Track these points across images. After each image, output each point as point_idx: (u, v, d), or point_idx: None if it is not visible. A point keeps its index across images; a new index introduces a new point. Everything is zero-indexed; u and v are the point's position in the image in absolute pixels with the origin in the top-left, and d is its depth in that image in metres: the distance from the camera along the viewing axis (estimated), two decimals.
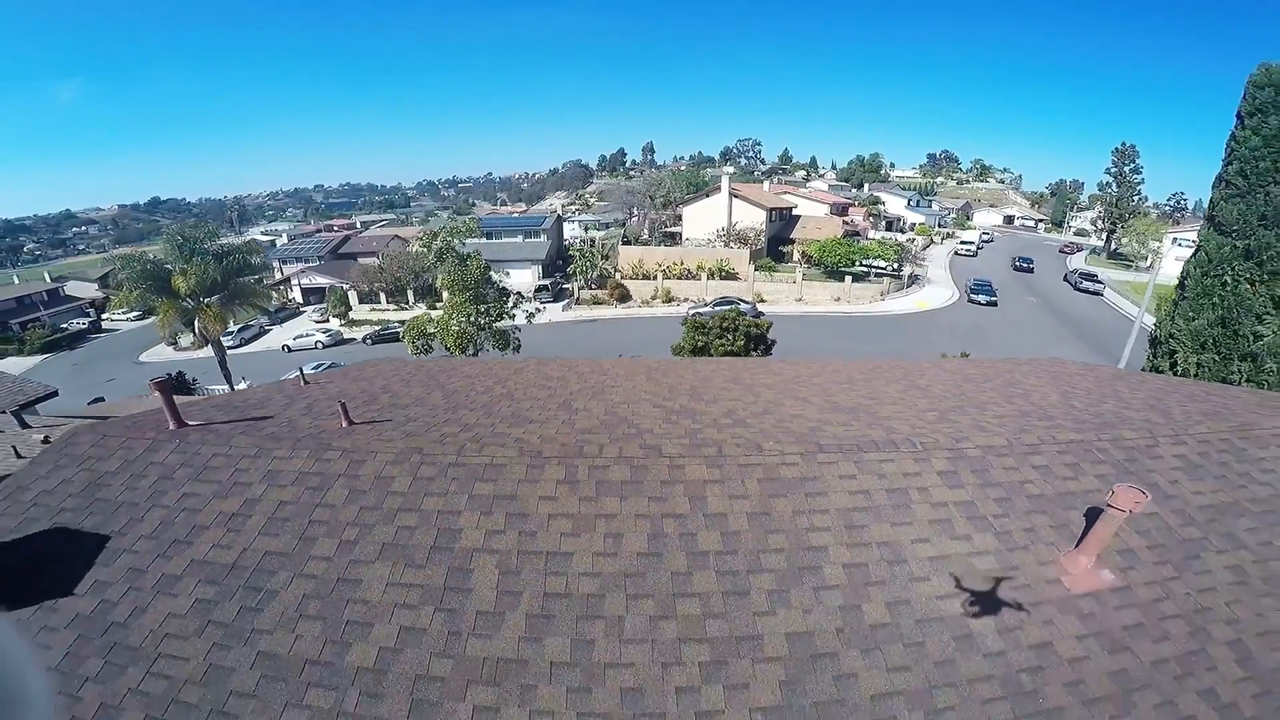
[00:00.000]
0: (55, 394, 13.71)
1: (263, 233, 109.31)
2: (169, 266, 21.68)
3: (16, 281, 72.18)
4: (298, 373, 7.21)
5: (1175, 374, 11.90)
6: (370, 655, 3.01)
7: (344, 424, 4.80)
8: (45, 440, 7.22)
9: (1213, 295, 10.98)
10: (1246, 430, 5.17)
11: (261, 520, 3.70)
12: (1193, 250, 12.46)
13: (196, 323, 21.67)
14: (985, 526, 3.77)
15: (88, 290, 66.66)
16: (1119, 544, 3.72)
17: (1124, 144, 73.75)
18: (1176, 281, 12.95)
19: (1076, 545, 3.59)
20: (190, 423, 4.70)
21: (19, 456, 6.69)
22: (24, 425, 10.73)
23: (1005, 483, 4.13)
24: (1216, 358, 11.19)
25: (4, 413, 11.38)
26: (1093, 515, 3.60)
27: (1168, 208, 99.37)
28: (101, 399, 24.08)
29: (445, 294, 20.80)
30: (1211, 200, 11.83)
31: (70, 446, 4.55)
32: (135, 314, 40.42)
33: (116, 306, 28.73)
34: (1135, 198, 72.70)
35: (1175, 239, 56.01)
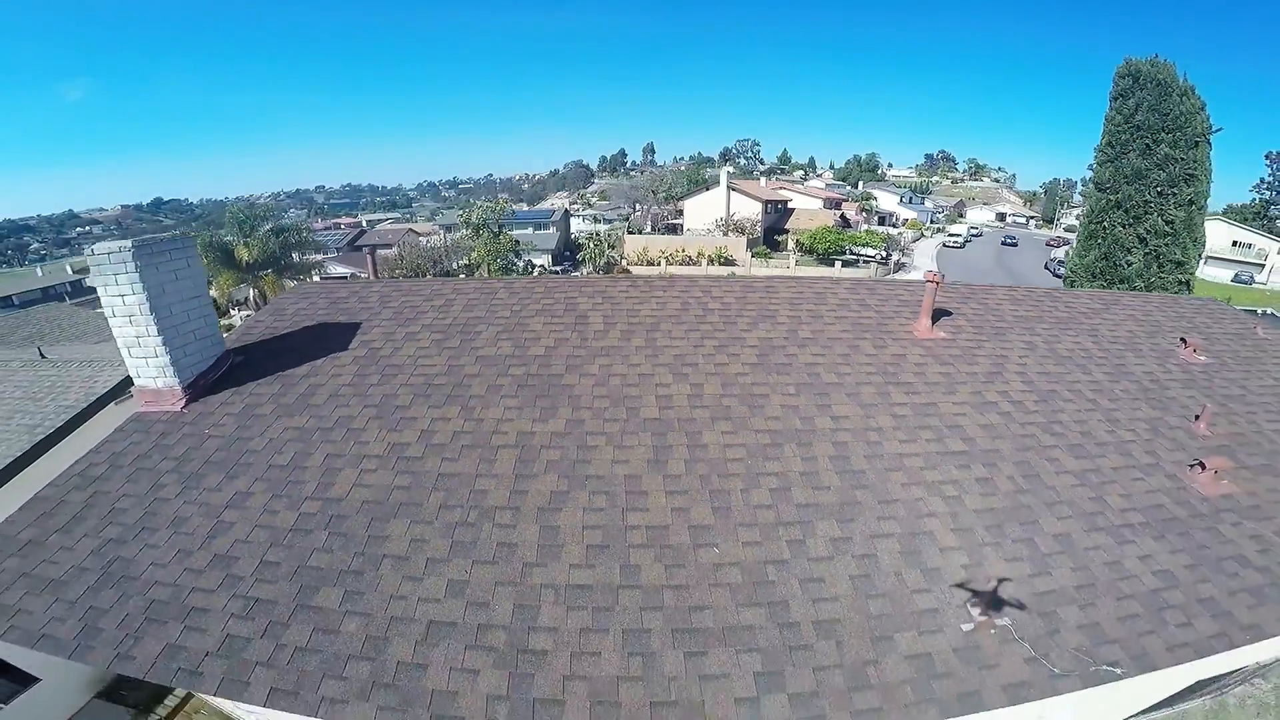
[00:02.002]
0: None
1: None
2: (229, 240, 24.35)
3: (40, 274, 74.81)
4: None
5: None
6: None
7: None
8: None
9: (1096, 238, 14.26)
10: (1064, 293, 7.93)
11: (462, 301, 6.42)
12: (1083, 205, 16.31)
13: (252, 292, 24.33)
14: (876, 311, 6.49)
15: None
16: (959, 328, 6.42)
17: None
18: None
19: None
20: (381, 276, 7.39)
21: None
22: None
23: (890, 297, 6.87)
24: (1103, 284, 14.44)
25: None
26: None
27: None
28: None
29: (480, 264, 23.65)
30: (1092, 166, 15.31)
31: (317, 284, 7.24)
32: None
33: None
34: None
35: None
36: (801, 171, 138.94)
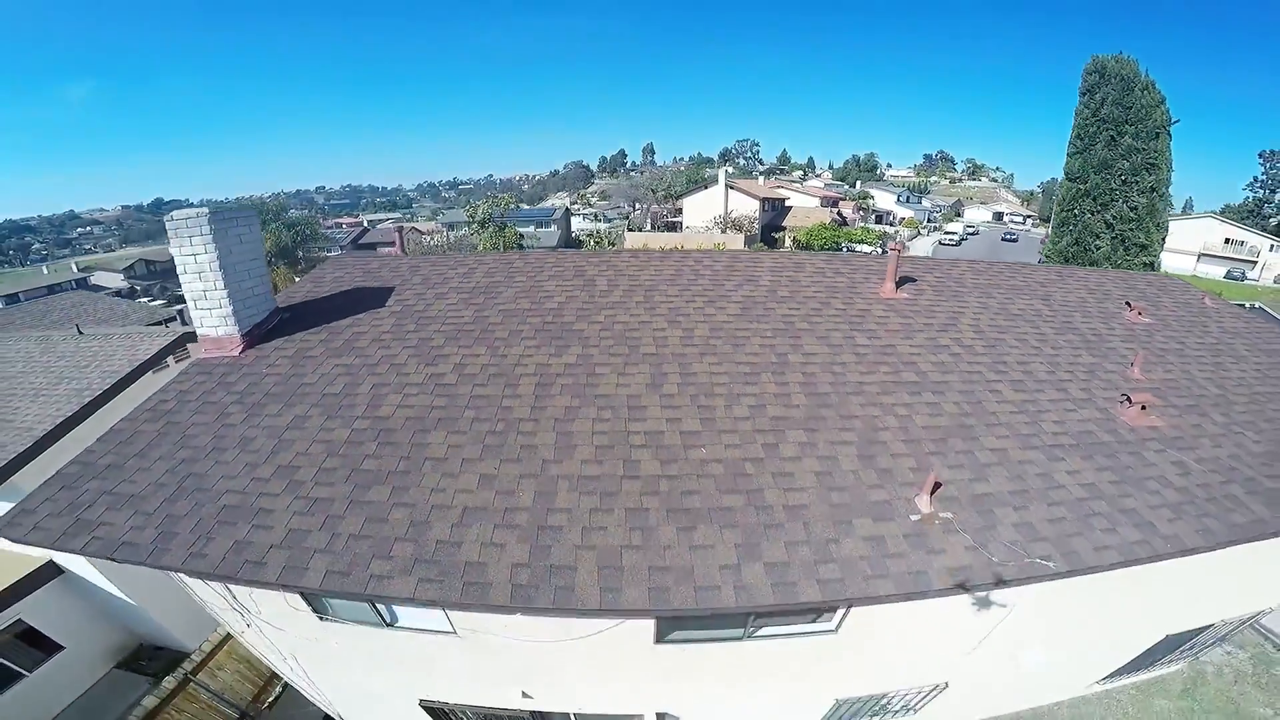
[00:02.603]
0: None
1: None
2: None
3: (46, 272, 75.70)
4: None
5: None
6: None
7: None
8: None
9: (1068, 225, 15.26)
10: (1025, 266, 8.71)
11: (484, 270, 7.18)
12: (1057, 195, 17.26)
13: None
14: (847, 278, 7.25)
15: (114, 280, 70.16)
16: (921, 291, 7.18)
17: None
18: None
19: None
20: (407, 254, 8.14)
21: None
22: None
23: (861, 267, 7.63)
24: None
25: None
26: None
27: None
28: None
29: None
30: (1066, 158, 16.36)
31: (350, 257, 8.00)
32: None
33: None
34: None
35: None
36: (800, 171, 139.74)
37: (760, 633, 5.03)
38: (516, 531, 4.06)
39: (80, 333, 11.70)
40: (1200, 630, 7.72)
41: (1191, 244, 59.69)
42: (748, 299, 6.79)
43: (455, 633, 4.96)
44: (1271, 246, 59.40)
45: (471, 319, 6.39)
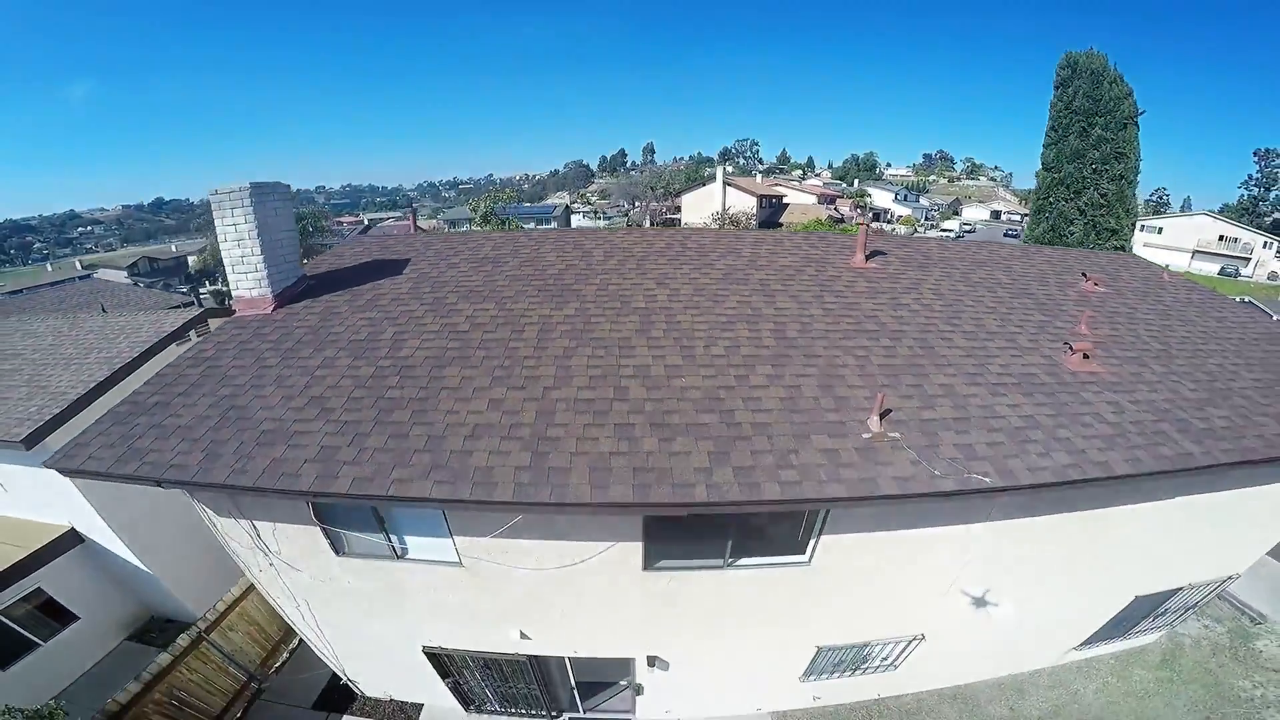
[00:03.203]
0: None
1: None
2: None
3: (50, 270, 76.41)
4: None
5: None
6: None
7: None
8: None
9: (1044, 212, 16.14)
10: (992, 243, 9.38)
11: (491, 244, 7.84)
12: (1035, 186, 18.15)
13: None
14: (821, 252, 7.92)
15: (118, 277, 70.79)
16: (889, 261, 7.87)
17: None
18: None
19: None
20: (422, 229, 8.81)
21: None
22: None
23: (835, 243, 8.29)
24: None
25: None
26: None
27: (1153, 200, 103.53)
28: None
29: None
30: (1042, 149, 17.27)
31: (367, 236, 8.67)
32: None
33: (200, 264, 33.52)
34: None
35: (1142, 225, 61.50)
36: (800, 171, 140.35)
37: (739, 563, 5.68)
38: (519, 443, 4.72)
39: (104, 311, 12.34)
40: (1170, 593, 8.18)
41: (1186, 241, 60.34)
42: (729, 267, 7.47)
43: (460, 563, 5.59)
44: (1265, 244, 59.99)
45: (481, 283, 7.08)
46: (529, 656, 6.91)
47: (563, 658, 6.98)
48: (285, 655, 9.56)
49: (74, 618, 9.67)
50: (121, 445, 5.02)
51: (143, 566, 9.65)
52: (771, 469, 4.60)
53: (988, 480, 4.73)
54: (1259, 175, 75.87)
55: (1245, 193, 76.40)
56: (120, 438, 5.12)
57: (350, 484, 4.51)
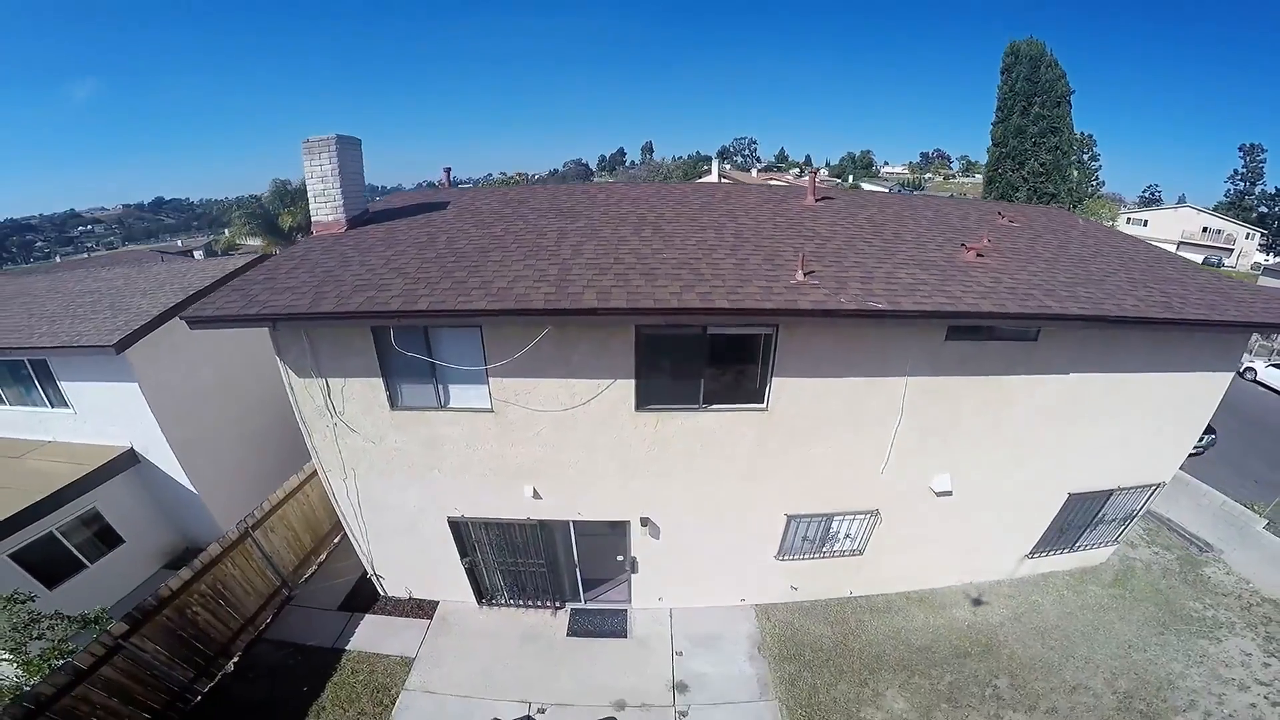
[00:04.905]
0: None
1: None
2: (270, 209, 27.59)
3: (59, 262, 78.11)
4: None
5: None
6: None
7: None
8: None
9: (995, 183, 18.54)
10: (929, 196, 11.28)
11: (515, 193, 9.75)
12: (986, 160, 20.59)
13: None
14: (781, 196, 9.76)
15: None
16: (834, 201, 9.74)
17: (1083, 134, 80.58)
18: None
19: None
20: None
21: None
22: None
23: (794, 190, 10.16)
24: None
25: None
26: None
27: (1146, 195, 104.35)
28: None
29: None
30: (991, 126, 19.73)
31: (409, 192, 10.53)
32: None
33: (229, 242, 33.76)
34: (1093, 183, 79.42)
35: (1128, 218, 63.66)
36: (797, 169, 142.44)
37: (711, 407, 7.35)
38: (546, 283, 6.47)
39: (164, 260, 13.94)
40: (1103, 496, 9.12)
41: (1172, 233, 62.11)
42: (705, 203, 9.54)
43: (491, 409, 7.20)
44: (1247, 235, 61.78)
45: (510, 211, 9.15)
46: (539, 522, 8.21)
47: (568, 523, 8.35)
48: (314, 567, 10.41)
49: (120, 541, 10.32)
50: (242, 300, 6.43)
51: (190, 486, 10.46)
52: (724, 294, 6.28)
53: (880, 305, 6.17)
54: (1244, 170, 76.94)
55: (1231, 187, 77.45)
56: (241, 295, 6.56)
57: (428, 304, 6.07)
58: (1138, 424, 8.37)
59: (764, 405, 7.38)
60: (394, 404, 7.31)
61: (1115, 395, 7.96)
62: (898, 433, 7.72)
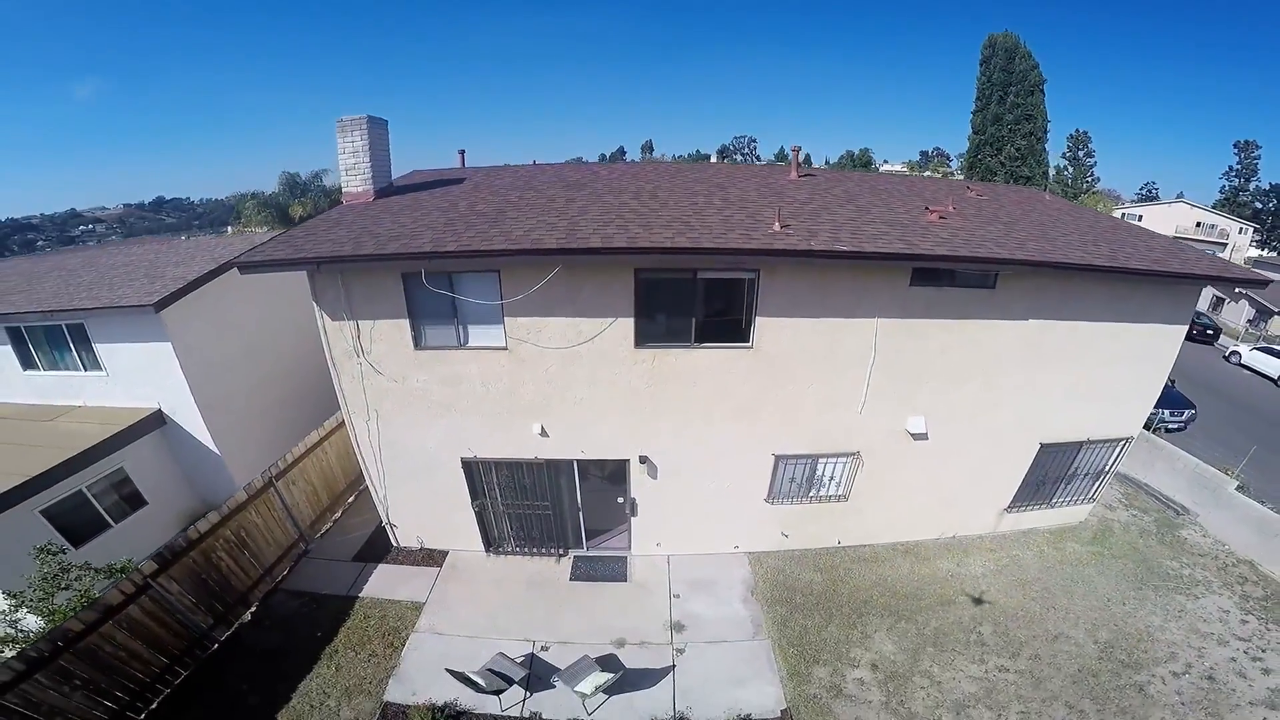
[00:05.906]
0: None
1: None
2: (281, 200, 28.67)
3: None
4: None
5: None
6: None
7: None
8: None
9: (975, 168, 19.59)
10: (910, 176, 12.25)
11: (526, 171, 10.88)
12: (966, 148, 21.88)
13: None
14: (768, 174, 10.80)
15: None
16: (815, 177, 10.79)
17: (1078, 131, 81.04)
18: None
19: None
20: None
21: None
22: None
23: (780, 172, 11.15)
24: None
25: None
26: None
27: (1143, 192, 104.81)
28: None
29: None
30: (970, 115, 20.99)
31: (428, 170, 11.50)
32: None
33: (239, 232, 34.77)
34: (1088, 179, 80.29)
35: (1123, 214, 64.75)
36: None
37: (702, 345, 8.15)
38: (557, 231, 7.49)
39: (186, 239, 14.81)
40: (1074, 448, 9.53)
41: (1166, 228, 62.89)
42: (697, 179, 10.61)
43: (506, 346, 7.97)
44: (1240, 230, 62.53)
45: (523, 184, 10.24)
46: (546, 461, 8.80)
47: (572, 463, 8.90)
48: (329, 524, 10.90)
49: (143, 503, 10.66)
50: (288, 247, 7.46)
51: (213, 447, 10.99)
52: (712, 236, 7.34)
53: (845, 248, 7.15)
54: (1239, 166, 77.22)
55: (1226, 183, 77.67)
56: (286, 244, 7.63)
57: (457, 249, 7.06)
58: (1100, 373, 8.87)
59: (750, 344, 8.14)
60: (418, 343, 7.97)
61: (1074, 343, 8.56)
62: (872, 372, 8.41)
